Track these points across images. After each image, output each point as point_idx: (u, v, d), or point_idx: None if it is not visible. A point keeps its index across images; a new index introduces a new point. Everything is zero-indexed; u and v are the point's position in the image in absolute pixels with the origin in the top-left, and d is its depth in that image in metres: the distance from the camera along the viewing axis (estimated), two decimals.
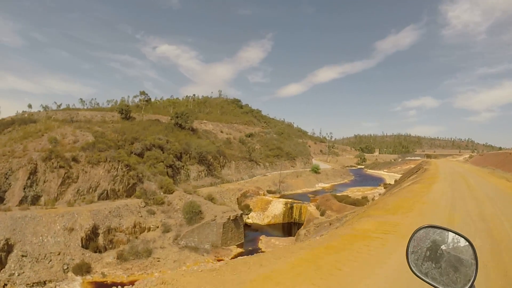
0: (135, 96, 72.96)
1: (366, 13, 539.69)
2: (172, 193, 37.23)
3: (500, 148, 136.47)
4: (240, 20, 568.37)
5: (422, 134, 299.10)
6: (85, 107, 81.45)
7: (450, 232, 1.50)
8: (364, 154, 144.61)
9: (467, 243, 1.44)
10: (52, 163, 32.20)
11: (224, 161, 60.37)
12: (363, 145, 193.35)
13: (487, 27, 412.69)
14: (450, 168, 46.94)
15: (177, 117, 65.10)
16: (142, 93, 70.31)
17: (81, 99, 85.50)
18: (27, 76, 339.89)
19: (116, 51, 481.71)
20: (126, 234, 28.59)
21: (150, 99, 73.91)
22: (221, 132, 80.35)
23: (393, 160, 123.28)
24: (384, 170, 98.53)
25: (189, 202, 32.96)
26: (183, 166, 49.24)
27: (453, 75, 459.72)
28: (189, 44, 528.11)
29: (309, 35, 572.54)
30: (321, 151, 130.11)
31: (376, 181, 66.36)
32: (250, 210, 38.93)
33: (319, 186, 57.81)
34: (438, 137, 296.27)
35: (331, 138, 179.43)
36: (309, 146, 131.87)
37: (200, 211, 31.73)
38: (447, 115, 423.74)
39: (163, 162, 44.30)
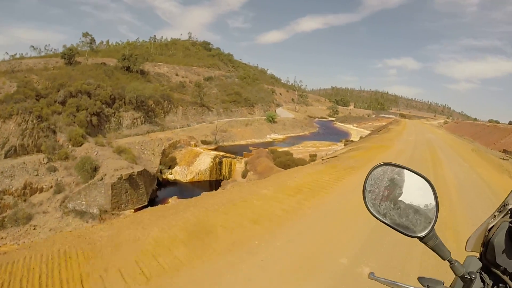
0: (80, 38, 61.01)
1: None
2: (81, 145, 31.50)
3: (475, 119, 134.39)
4: None
5: (400, 94, 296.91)
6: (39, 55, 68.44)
7: (408, 171, 1.33)
8: (338, 106, 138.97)
9: (427, 183, 1.31)
10: None
11: (169, 106, 52.86)
12: (339, 97, 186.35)
13: (479, 1, 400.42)
14: (419, 133, 42.60)
15: (123, 59, 58.04)
16: (85, 34, 59.30)
17: (32, 46, 72.25)
18: None
19: None
20: (14, 196, 24.06)
21: (94, 40, 62.39)
22: (176, 75, 72.23)
23: (366, 116, 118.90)
24: (354, 125, 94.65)
25: (83, 157, 27.68)
26: (114, 113, 42.86)
27: (437, 41, 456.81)
28: None
29: None
30: (292, 99, 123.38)
31: (340, 136, 61.44)
32: (176, 164, 32.39)
33: (270, 137, 51.79)
34: (415, 99, 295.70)
35: (304, 87, 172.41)
36: (280, 94, 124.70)
37: (96, 167, 26.28)
38: (427, 79, 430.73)
39: (86, 110, 38.35)
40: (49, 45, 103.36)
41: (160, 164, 32.28)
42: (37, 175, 26.50)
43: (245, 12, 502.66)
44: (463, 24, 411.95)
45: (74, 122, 35.56)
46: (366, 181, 1.38)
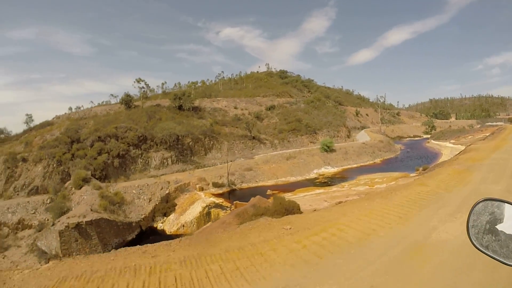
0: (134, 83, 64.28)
1: None
2: (80, 188, 30.06)
3: None
4: None
5: (507, 95, 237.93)
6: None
7: (508, 204, 1.45)
8: (434, 120, 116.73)
9: None
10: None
11: (211, 142, 49.11)
12: (437, 110, 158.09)
13: None
14: None
15: (175, 98, 58.13)
16: (138, 80, 61.80)
17: (111, 94, 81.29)
18: (102, 78, 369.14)
19: (182, 42, 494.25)
20: (10, 229, 26.48)
21: (147, 85, 64.72)
22: (235, 108, 68.70)
23: (467, 127, 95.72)
24: (451, 141, 75.54)
25: (58, 201, 27.57)
26: (142, 154, 41.26)
27: None
28: (251, 23, 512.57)
29: None
30: (381, 119, 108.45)
31: (426, 160, 46.72)
32: (172, 211, 27.04)
33: (318, 172, 40.89)
34: None
35: (396, 104, 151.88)
36: (367, 115, 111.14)
37: (66, 211, 25.34)
38: None
39: (108, 153, 38.24)
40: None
41: (155, 210, 27.30)
42: (34, 213, 28.09)
43: (331, 36, 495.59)
44: None
45: (91, 165, 35.42)
46: (470, 216, 1.50)
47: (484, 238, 1.45)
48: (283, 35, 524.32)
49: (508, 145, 33.05)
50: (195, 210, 24.94)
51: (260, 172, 37.16)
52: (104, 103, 79.32)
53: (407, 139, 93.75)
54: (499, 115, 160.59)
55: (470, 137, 75.26)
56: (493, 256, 1.38)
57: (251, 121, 58.31)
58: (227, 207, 24.66)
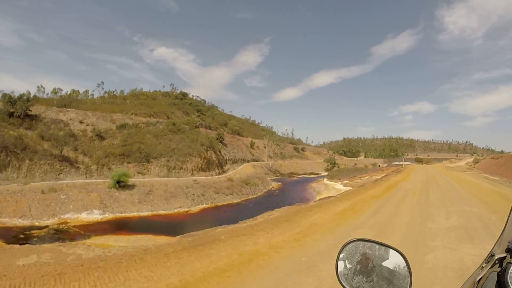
0: None
1: (363, 18, 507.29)
2: None
3: (502, 151, 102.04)
4: (238, 24, 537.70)
5: (417, 138, 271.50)
6: None
7: (380, 245, 1.40)
8: (341, 158, 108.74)
9: (399, 255, 1.37)
10: None
11: (9, 158, 28.76)
12: (346, 148, 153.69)
13: (483, 32, 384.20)
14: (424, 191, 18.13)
15: (8, 102, 43.14)
16: None
17: None
18: (22, 76, 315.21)
19: (114, 53, 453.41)
20: None
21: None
22: (81, 122, 50.07)
23: (370, 166, 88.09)
24: (345, 181, 64.76)
25: None
26: None
27: (449, 80, 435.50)
28: (187, 47, 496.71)
29: (306, 39, 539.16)
30: (281, 153, 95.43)
31: (283, 204, 30.75)
32: None
33: (72, 217, 22.55)
34: (433, 140, 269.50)
35: (306, 140, 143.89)
36: (265, 147, 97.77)
37: None
38: (443, 120, 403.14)
39: None
40: None
41: None
42: None
43: (262, 71, 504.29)
44: (472, 59, 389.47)
45: None
46: (339, 256, 1.41)
47: (355, 279, 1.35)
48: (216, 64, 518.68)
49: (392, 196, 22.17)
50: None
51: None
52: None
53: (301, 175, 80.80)
54: (407, 155, 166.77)
55: (367, 177, 63.87)
56: None
57: (62, 140, 39.75)
58: None
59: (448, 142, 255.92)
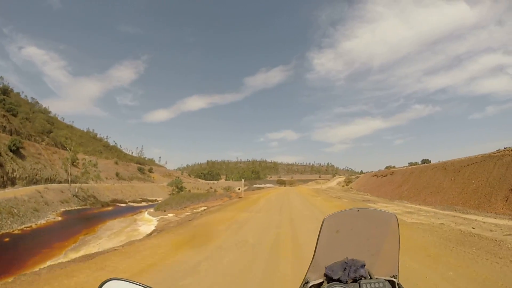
0: None
1: (241, 51, 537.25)
2: None
3: (361, 172, 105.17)
4: (119, 36, 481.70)
5: (280, 161, 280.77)
6: None
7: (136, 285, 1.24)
8: (197, 180, 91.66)
9: None
10: None
11: None
12: (207, 171, 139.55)
13: (346, 75, 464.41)
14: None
15: None
16: None
17: None
18: None
19: None
20: None
21: None
22: None
23: (220, 190, 75.11)
24: (170, 214, 44.58)
25: None
26: None
27: (313, 112, 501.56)
28: (60, 51, 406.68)
29: (185, 62, 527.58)
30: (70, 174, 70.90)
31: None
32: None
33: None
34: (296, 163, 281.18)
35: (158, 161, 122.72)
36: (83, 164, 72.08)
37: None
38: (306, 146, 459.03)
39: None
40: None
41: None
42: None
43: (135, 89, 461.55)
44: (334, 96, 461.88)
45: None
46: None
47: None
48: (87, 75, 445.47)
49: None
50: None
51: None
52: None
53: (127, 204, 59.11)
54: (270, 177, 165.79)
55: (202, 208, 46.58)
56: None
57: None
58: None
59: (311, 164, 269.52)
